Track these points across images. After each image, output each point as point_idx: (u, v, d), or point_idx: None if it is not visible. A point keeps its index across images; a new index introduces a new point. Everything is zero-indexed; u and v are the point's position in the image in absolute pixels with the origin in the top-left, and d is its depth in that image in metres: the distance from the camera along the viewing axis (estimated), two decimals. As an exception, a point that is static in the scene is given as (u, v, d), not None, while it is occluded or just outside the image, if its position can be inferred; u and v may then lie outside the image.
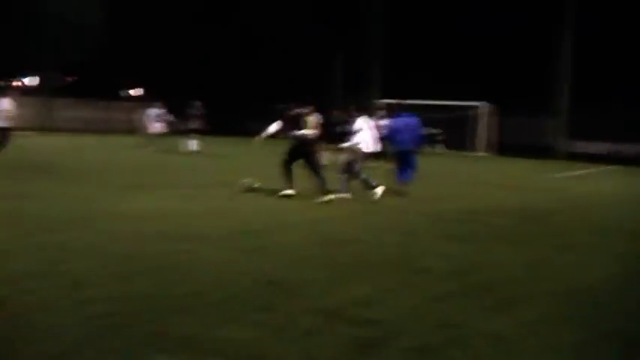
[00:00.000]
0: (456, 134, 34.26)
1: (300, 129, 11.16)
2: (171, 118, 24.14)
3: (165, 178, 13.71)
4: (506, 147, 33.09)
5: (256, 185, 12.07)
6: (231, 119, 39.80)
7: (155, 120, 23.72)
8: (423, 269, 6.42)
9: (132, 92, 47.68)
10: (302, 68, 42.05)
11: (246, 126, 39.60)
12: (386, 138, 12.88)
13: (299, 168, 11.40)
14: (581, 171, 23.63)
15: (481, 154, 31.78)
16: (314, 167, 11.21)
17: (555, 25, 32.35)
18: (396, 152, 12.77)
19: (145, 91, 46.30)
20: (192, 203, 10.17)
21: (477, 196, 13.37)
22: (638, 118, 34.35)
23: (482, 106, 32.66)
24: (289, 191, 11.32)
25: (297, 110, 11.38)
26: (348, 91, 37.83)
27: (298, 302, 5.09)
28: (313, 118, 11.20)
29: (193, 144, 22.43)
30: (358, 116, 11.91)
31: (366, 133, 11.84)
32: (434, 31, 42.24)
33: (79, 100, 35.20)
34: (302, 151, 11.23)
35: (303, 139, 11.20)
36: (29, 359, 3.82)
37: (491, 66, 43.01)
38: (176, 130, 23.45)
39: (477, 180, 17.60)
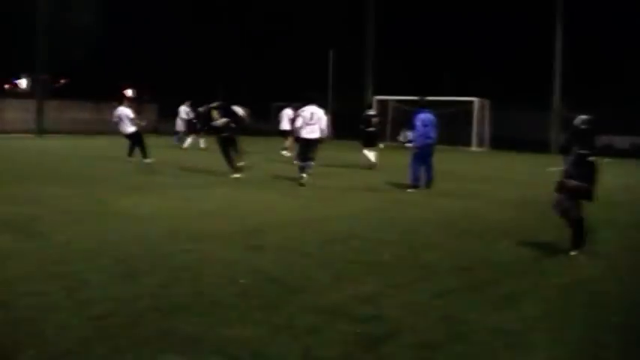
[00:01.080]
0: (451, 130, 34.27)
1: (212, 120, 13.88)
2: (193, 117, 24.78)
3: (169, 178, 13.65)
4: (500, 141, 33.11)
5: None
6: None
7: (183, 119, 24.80)
8: (425, 265, 6.39)
9: (128, 93, 47.60)
10: (297, 66, 42.02)
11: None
12: (415, 132, 13.06)
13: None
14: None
15: (476, 149, 31.78)
16: (235, 147, 13.88)
17: (549, 21, 32.35)
18: (422, 146, 12.84)
19: (139, 92, 46.27)
20: (196, 203, 10.13)
21: (477, 191, 13.34)
22: (629, 111, 34.50)
23: (477, 102, 32.62)
24: (237, 174, 13.63)
25: (207, 106, 14.32)
26: (340, 88, 37.80)
27: (300, 300, 5.05)
28: (217, 111, 13.87)
29: (201, 142, 23.04)
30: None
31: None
32: (428, 27, 42.26)
33: (76, 102, 34.97)
34: (223, 137, 13.80)
35: (218, 127, 13.83)
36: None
37: (487, 62, 43.08)
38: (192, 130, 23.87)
39: (474, 175, 17.57)
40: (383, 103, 34.01)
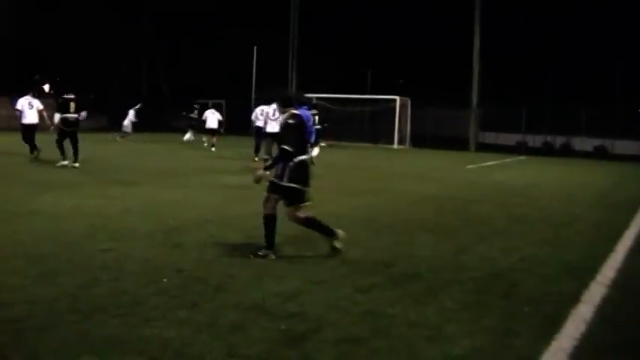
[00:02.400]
0: (373, 128, 34.83)
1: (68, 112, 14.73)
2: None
3: (90, 176, 13.25)
4: (421, 139, 33.85)
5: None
6: (159, 115, 39.20)
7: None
8: (348, 261, 6.47)
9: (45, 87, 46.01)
10: (222, 64, 41.71)
11: (169, 122, 39.09)
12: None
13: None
14: (492, 161, 24.46)
15: (398, 146, 32.36)
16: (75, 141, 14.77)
17: (467, 21, 33.30)
18: None
19: (59, 88, 44.72)
20: (116, 201, 9.89)
21: (397, 188, 13.60)
22: (541, 110, 35.99)
23: (398, 100, 33.19)
24: (65, 162, 14.61)
25: (63, 97, 15.11)
26: (264, 86, 37.76)
27: (223, 298, 5.03)
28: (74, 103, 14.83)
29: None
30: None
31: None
32: (352, 26, 42.70)
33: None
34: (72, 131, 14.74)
35: (70, 120, 14.77)
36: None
37: (407, 61, 43.93)
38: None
39: (395, 172, 17.91)
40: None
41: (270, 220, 6.52)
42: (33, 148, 16.11)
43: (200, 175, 14.33)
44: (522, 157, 28.82)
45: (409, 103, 33.87)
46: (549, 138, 37.70)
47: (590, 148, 34.90)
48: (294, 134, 6.46)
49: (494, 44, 34.79)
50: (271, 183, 6.56)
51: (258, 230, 7.80)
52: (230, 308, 4.78)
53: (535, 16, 38.92)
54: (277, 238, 7.11)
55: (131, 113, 27.39)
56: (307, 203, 6.63)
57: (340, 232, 6.67)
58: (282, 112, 6.75)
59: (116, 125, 32.78)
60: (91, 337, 4.06)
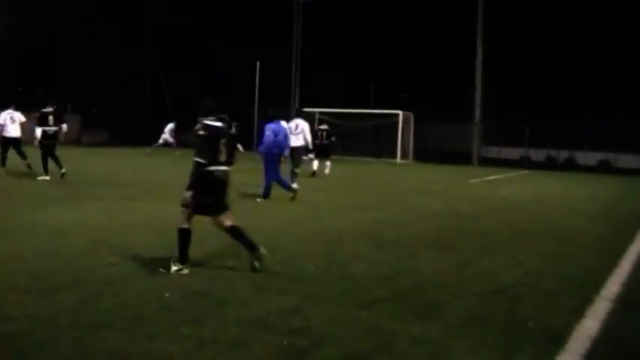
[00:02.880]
0: (375, 142, 34.89)
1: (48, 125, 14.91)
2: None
3: (92, 190, 13.26)
4: (424, 154, 33.87)
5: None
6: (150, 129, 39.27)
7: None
8: (351, 276, 6.45)
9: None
10: (225, 79, 41.84)
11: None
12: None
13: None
14: (495, 176, 24.45)
15: (400, 161, 32.37)
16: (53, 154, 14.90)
17: (470, 37, 33.39)
18: (267, 154, 12.69)
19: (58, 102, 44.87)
20: (119, 215, 9.89)
21: (400, 203, 13.59)
22: (544, 125, 36.04)
23: (401, 115, 33.23)
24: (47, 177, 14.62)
25: (43, 110, 15.00)
26: (267, 100, 37.88)
27: (226, 313, 5.02)
28: (52, 117, 14.93)
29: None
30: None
31: None
32: (355, 41, 42.86)
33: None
34: (48, 144, 14.86)
35: (49, 134, 14.91)
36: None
37: (411, 76, 44.03)
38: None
39: (399, 187, 17.91)
40: (309, 115, 34.23)
41: (182, 234, 6.39)
42: (23, 158, 16.22)
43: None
44: (525, 172, 28.80)
45: (412, 117, 33.92)
46: (552, 152, 37.69)
47: (593, 162, 34.86)
48: (207, 145, 6.33)
49: (497, 59, 34.90)
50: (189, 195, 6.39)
51: (263, 245, 7.79)
52: (232, 323, 4.76)
53: (537, 31, 39.08)
54: (280, 254, 7.11)
55: (168, 129, 27.82)
56: (226, 213, 6.52)
57: (262, 249, 6.49)
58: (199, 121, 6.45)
59: (117, 139, 32.92)
60: (93, 353, 4.05)
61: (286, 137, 12.83)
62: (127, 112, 43.43)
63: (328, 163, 20.19)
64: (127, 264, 6.47)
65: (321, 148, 20.19)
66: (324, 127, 21.62)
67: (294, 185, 13.97)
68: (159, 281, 5.88)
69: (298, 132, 15.55)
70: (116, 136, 37.27)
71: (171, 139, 28.07)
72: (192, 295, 5.47)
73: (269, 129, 12.64)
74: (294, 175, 14.66)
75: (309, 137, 15.74)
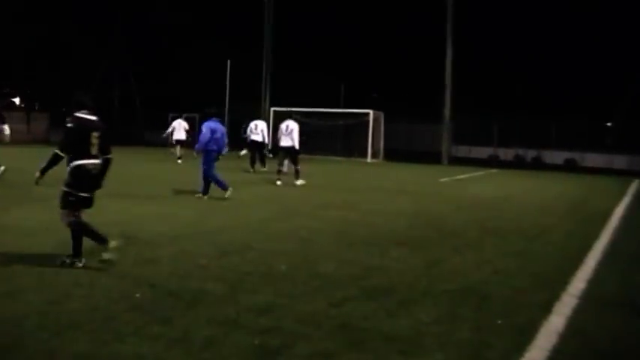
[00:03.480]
0: (346, 141, 34.95)
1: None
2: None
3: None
4: (394, 153, 34.03)
5: None
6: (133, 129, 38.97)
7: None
8: (322, 275, 6.47)
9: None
10: (195, 77, 41.59)
11: (142, 136, 38.89)
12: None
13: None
14: (464, 175, 24.68)
15: (371, 160, 32.48)
16: None
17: (439, 36, 33.63)
18: (205, 152, 12.65)
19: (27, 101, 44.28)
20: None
21: (371, 202, 13.65)
22: (512, 124, 36.49)
23: (372, 114, 33.31)
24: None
25: None
26: (237, 99, 37.74)
27: (196, 313, 5.00)
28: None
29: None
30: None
31: None
32: (325, 40, 42.90)
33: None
34: None
35: None
36: None
37: (381, 76, 44.22)
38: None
39: (369, 186, 17.97)
40: (280, 114, 34.20)
41: (76, 228, 6.37)
42: None
43: (173, 188, 14.22)
44: (494, 170, 29.12)
45: (382, 117, 34.07)
46: (520, 151, 38.17)
47: (560, 161, 35.42)
48: (71, 138, 6.32)
49: (467, 58, 35.20)
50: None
51: (233, 245, 7.81)
52: (203, 323, 4.74)
53: (506, 31, 39.58)
54: (250, 253, 7.10)
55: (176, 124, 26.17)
56: (86, 209, 6.51)
57: (112, 242, 6.41)
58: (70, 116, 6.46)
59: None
60: (61, 355, 4.00)
61: (223, 135, 12.88)
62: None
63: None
64: (96, 264, 6.39)
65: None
66: (292, 124, 21.70)
67: (300, 182, 16.18)
68: (129, 281, 5.82)
69: (288, 133, 16.64)
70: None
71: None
72: (163, 295, 5.43)
73: (207, 127, 12.69)
74: (297, 173, 16.43)
75: (296, 137, 16.67)
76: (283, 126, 16.81)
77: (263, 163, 21.30)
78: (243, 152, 23.65)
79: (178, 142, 24.66)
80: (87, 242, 6.47)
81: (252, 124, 21.48)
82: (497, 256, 7.96)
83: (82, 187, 6.34)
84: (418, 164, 30.61)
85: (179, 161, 23.20)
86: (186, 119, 27.91)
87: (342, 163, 30.02)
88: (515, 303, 5.77)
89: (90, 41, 41.49)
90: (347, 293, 5.78)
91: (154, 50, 44.81)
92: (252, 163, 20.91)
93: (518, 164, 34.96)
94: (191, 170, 20.57)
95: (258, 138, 21.08)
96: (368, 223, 10.37)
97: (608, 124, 39.91)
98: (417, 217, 11.35)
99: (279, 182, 16.21)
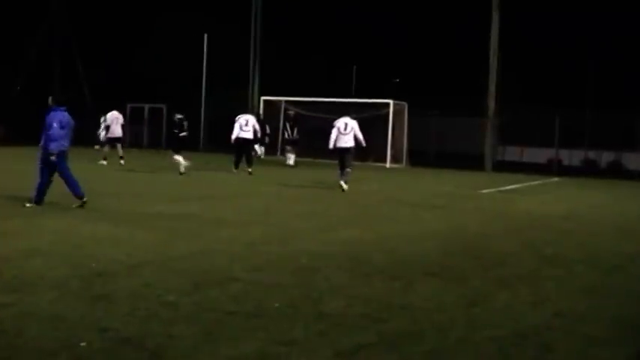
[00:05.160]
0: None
1: None
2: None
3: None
4: (420, 156, 33.95)
5: None
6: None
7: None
8: (328, 315, 6.43)
9: None
10: (161, 59, 41.77)
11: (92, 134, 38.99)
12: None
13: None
14: (514, 184, 24.62)
15: (391, 165, 32.38)
16: None
17: (483, 6, 33.47)
18: (59, 153, 12.94)
19: None
20: (15, 238, 9.75)
21: (392, 219, 13.61)
22: (581, 119, 36.22)
23: (392, 105, 33.15)
24: None
25: None
26: (217, 85, 37.86)
27: (162, 366, 4.97)
28: None
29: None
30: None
31: None
32: (330, 9, 42.91)
33: None
34: None
35: None
36: None
37: (405, 55, 44.14)
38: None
39: (389, 198, 17.95)
40: (271, 105, 34.31)
41: None
42: None
43: (132, 202, 14.21)
44: (556, 179, 29.08)
45: (406, 108, 33.98)
46: (592, 154, 38.02)
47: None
48: None
49: (519, 34, 35.13)
50: None
51: (211, 275, 7.78)
52: (169, 380, 4.71)
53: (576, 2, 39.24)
54: (233, 287, 7.07)
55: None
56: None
57: None
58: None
59: (17, 135, 32.38)
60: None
61: (72, 130, 13.28)
62: (29, 100, 42.91)
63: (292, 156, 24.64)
64: (26, 304, 6.35)
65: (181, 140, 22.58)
66: (180, 115, 23.22)
67: (345, 186, 18.16)
68: (71, 326, 5.78)
69: (348, 131, 18.69)
70: (16, 130, 36.71)
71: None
72: (118, 344, 5.39)
73: (55, 119, 12.97)
74: (346, 176, 18.48)
75: (360, 136, 19.01)
76: (341, 125, 18.81)
77: (249, 163, 23.63)
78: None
79: (115, 139, 26.08)
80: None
81: (241, 120, 23.84)
82: (560, 293, 7.90)
83: None
84: (453, 170, 30.59)
85: (122, 162, 24.89)
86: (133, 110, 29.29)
87: (353, 168, 30.01)
88: (586, 357, 5.71)
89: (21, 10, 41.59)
90: (360, 340, 5.73)
91: (106, 24, 44.86)
92: (237, 163, 23.40)
93: (588, 171, 34.86)
94: (158, 180, 20.55)
95: (248, 135, 23.63)
96: (387, 247, 10.33)
97: None
98: (450, 240, 11.31)
99: (345, 186, 18.38)
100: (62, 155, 12.94)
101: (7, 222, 11.14)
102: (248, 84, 36.98)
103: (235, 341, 5.57)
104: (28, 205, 12.70)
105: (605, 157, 37.56)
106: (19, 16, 41.83)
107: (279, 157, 31.85)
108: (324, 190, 19.02)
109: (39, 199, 12.84)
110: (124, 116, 28.73)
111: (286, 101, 34.10)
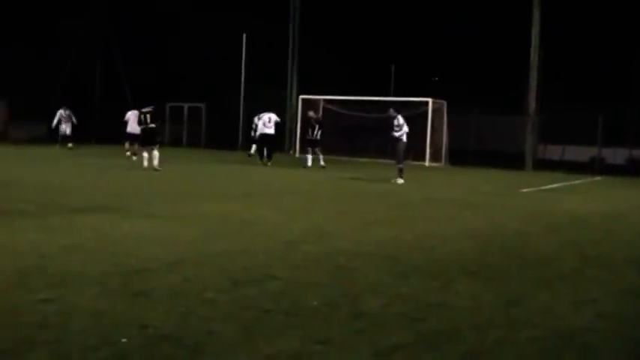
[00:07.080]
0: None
1: None
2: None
3: (25, 202, 13.25)
4: (460, 154, 33.79)
5: None
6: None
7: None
8: (366, 314, 6.42)
9: None
10: (201, 58, 42.05)
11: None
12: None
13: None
14: (555, 183, 24.41)
15: (430, 164, 32.28)
16: None
17: (523, 2, 33.23)
18: None
19: None
20: (56, 235, 9.86)
21: (430, 218, 13.56)
22: (625, 116, 35.73)
23: (431, 103, 33.06)
24: None
25: None
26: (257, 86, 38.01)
27: (200, 363, 5.00)
28: None
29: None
30: None
31: None
32: (368, 7, 42.82)
33: None
34: None
35: None
36: None
37: (443, 54, 43.91)
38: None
39: (428, 197, 17.87)
40: (310, 104, 34.34)
41: None
42: None
43: (171, 200, 14.32)
44: (598, 178, 28.77)
45: (445, 107, 33.87)
46: (636, 153, 37.49)
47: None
48: None
49: (560, 31, 34.76)
50: None
51: (250, 273, 7.82)
52: (208, 377, 4.74)
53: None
54: (272, 285, 7.09)
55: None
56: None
57: None
58: None
59: (55, 135, 32.76)
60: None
61: None
62: (70, 101, 43.48)
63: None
64: (69, 300, 6.43)
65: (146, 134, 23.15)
66: (148, 109, 23.20)
67: (400, 181, 20.78)
68: (112, 322, 5.83)
69: (401, 124, 21.36)
70: (56, 130, 37.24)
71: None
72: (157, 340, 5.43)
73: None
74: (401, 172, 20.97)
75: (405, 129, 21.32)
76: (401, 119, 21.39)
77: (270, 158, 26.21)
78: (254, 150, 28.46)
79: (132, 136, 25.88)
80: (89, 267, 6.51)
81: (265, 117, 26.39)
82: (603, 293, 7.81)
83: None
84: (493, 169, 30.39)
85: (134, 158, 25.33)
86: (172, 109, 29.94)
87: (390, 167, 29.94)
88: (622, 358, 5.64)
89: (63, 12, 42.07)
90: (398, 339, 5.72)
91: (147, 25, 45.23)
92: (261, 155, 26.46)
93: (633, 170, 34.38)
94: (198, 179, 20.70)
95: (270, 131, 26.41)
96: (425, 246, 10.30)
97: None
98: (490, 240, 11.25)
99: (400, 181, 20.90)
100: None
101: (50, 219, 11.28)
102: (286, 83, 37.09)
103: (273, 339, 5.59)
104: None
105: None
106: (60, 16, 42.29)
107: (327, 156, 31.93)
108: (359, 192, 19.00)
109: None
110: (164, 115, 29.25)
111: (325, 100, 34.15)
